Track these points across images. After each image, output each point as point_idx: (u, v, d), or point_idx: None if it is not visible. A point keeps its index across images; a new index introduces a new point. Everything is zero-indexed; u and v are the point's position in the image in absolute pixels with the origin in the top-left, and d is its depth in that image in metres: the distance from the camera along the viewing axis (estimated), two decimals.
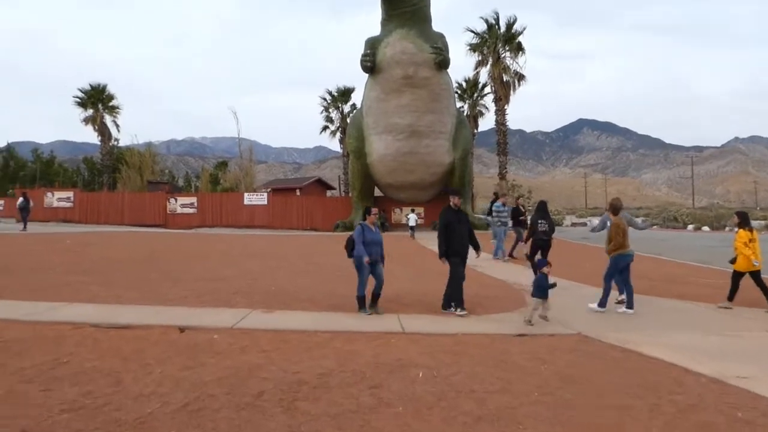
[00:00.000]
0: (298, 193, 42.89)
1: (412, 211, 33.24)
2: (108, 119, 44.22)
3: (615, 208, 9.92)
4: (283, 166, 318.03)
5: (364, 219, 9.32)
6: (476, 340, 7.50)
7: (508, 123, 28.39)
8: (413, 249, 21.19)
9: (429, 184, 32.92)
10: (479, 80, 32.43)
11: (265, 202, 36.62)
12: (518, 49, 27.59)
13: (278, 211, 36.56)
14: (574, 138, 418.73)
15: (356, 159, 32.96)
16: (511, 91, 27.73)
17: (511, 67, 27.59)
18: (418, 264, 15.96)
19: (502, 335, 7.81)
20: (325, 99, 46.69)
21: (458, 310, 9.14)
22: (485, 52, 27.81)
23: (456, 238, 9.37)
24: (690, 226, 43.69)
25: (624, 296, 10.09)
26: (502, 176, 29.16)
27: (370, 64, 29.90)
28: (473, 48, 28.14)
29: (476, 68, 28.61)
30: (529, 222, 16.33)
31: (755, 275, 10.00)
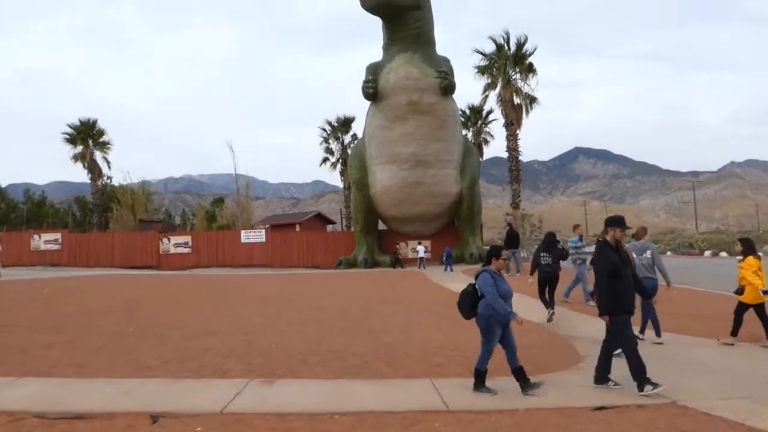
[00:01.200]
0: (297, 228, 41.10)
1: (419, 243, 31.52)
2: (98, 155, 42.64)
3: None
4: (282, 201, 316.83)
5: (489, 262, 6.72)
6: (546, 418, 5.68)
7: (520, 148, 26.87)
8: (428, 287, 19.34)
9: (435, 216, 31.23)
10: (486, 105, 30.91)
11: (264, 240, 34.82)
12: (529, 70, 26.12)
13: (277, 249, 34.75)
14: (571, 166, 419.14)
15: (359, 191, 31.31)
16: (523, 115, 26.23)
17: (522, 89, 26.17)
18: (439, 307, 14.10)
19: (575, 409, 5.98)
20: (324, 129, 44.97)
21: (648, 387, 6.33)
22: (494, 73, 26.36)
23: (624, 288, 6.74)
24: (707, 252, 41.98)
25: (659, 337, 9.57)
26: (515, 205, 27.44)
27: (372, 90, 28.48)
28: (481, 70, 26.71)
29: (484, 91, 27.13)
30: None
31: (759, 307, 9.19)
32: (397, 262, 30.62)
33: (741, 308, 9.35)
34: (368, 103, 30.29)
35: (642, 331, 9.86)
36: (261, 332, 10.37)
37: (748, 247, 9.35)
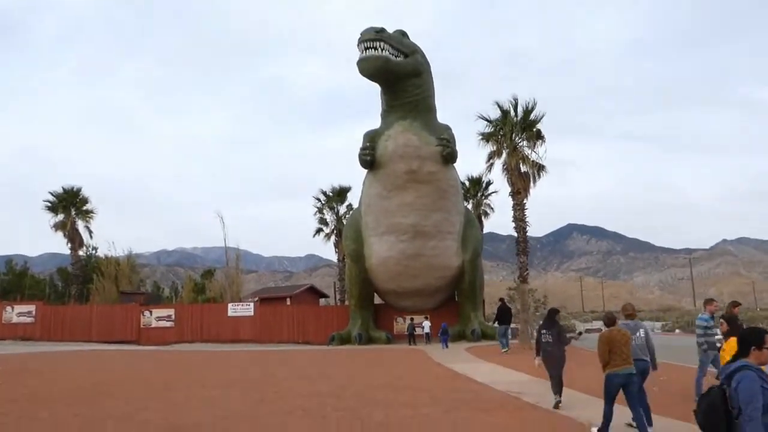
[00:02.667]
0: (288, 302, 39.06)
1: (426, 318, 29.58)
2: (80, 224, 40.87)
3: (608, 320, 8.38)
4: (274, 275, 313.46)
5: (746, 353, 4.11)
6: None
7: (527, 219, 25.31)
8: (432, 369, 17.29)
9: (435, 290, 29.44)
10: (488, 176, 29.19)
11: (252, 313, 32.73)
12: (537, 137, 25.00)
13: (266, 323, 32.63)
14: (565, 243, 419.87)
15: (354, 263, 29.60)
16: (531, 184, 24.88)
17: (529, 156, 24.93)
18: (447, 394, 12.15)
19: None
20: (318, 199, 43.25)
21: None
22: (500, 140, 25.15)
23: None
24: (718, 330, 40.02)
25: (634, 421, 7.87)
26: (523, 279, 25.74)
27: (370, 158, 27.27)
28: (486, 137, 25.51)
29: (489, 159, 25.82)
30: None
31: None
32: (412, 338, 28.58)
33: None
34: (365, 171, 29.10)
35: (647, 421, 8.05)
36: (236, 428, 8.46)
37: (733, 327, 8.18)
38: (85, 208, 41.16)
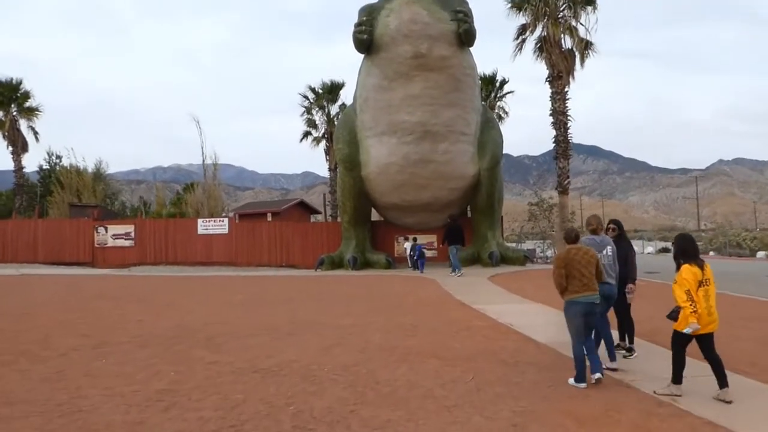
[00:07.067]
0: (269, 217, 33.97)
1: (415, 239, 24.79)
2: (23, 124, 34.88)
3: (568, 236, 6.84)
4: (271, 192, 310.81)
5: None
6: None
7: (569, 112, 19.70)
8: (456, 312, 12.37)
9: (446, 204, 24.40)
10: (516, 55, 22.61)
11: (226, 231, 27.74)
12: (587, 2, 18.97)
13: (243, 242, 27.72)
14: None
15: (347, 171, 24.36)
16: (576, 65, 19.14)
17: (576, 28, 18.99)
18: (494, 366, 7.22)
19: None
20: (306, 97, 36.66)
21: None
22: (537, 7, 19.05)
23: None
24: (760, 253, 35.81)
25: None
26: (563, 189, 20.60)
27: (367, 36, 21.51)
28: (517, 5, 19.46)
29: (519, 35, 19.95)
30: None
31: (702, 339, 5.79)
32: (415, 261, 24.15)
33: (677, 340, 5.97)
34: (361, 58, 23.42)
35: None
36: None
37: (685, 249, 5.97)
38: (27, 104, 34.88)
